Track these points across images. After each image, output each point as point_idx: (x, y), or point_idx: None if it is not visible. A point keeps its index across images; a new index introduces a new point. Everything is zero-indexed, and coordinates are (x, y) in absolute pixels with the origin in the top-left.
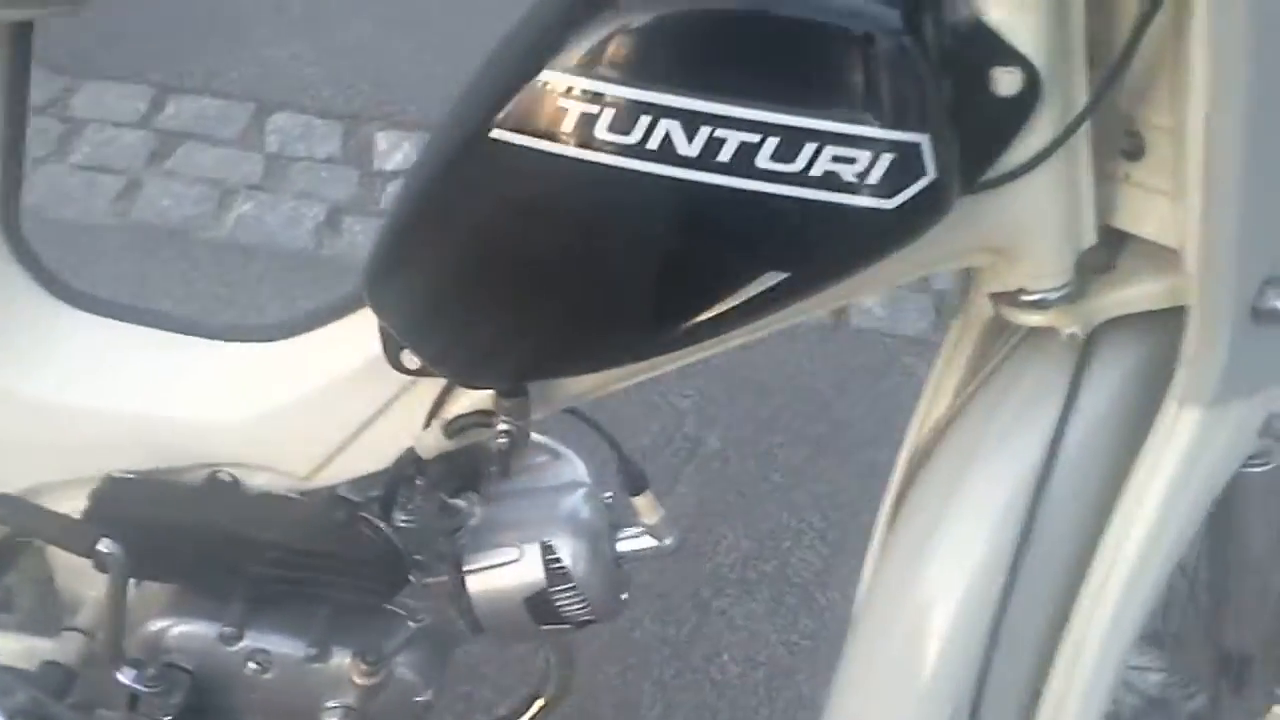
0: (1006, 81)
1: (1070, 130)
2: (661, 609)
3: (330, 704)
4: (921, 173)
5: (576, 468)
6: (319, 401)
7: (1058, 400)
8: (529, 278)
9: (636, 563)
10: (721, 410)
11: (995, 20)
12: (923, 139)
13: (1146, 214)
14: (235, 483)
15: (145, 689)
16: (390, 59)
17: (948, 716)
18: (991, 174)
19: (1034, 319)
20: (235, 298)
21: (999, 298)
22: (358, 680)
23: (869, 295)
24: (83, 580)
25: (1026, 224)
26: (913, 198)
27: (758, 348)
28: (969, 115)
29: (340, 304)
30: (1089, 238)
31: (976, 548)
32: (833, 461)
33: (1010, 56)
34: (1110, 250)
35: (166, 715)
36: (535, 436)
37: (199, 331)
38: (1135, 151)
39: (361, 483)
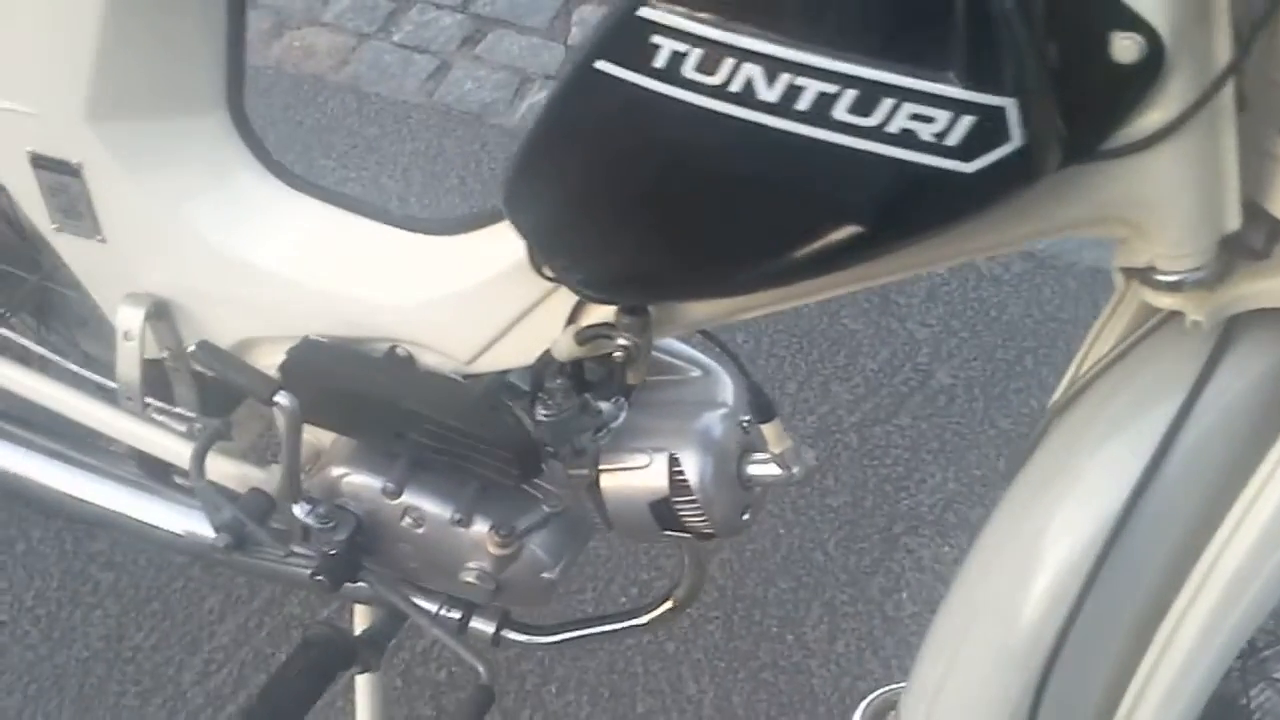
0: (1125, 48)
1: (1199, 104)
2: (848, 536)
3: (469, 565)
4: (1005, 139)
5: (724, 387)
6: (477, 295)
7: (1183, 392)
8: (634, 205)
9: (768, 488)
10: (961, 345)
11: None
12: (1009, 103)
13: None
14: (410, 359)
15: (315, 524)
16: None
17: (1016, 689)
18: (1112, 144)
19: (1164, 300)
20: None
21: (1131, 273)
22: (492, 549)
23: (983, 255)
24: None
25: (1156, 199)
26: (994, 164)
27: (1018, 285)
28: (1082, 81)
29: None
30: (1232, 221)
31: (1067, 536)
32: None
33: (1130, 21)
34: (1269, 236)
35: (332, 549)
36: (692, 353)
37: (388, 219)
38: None
39: (526, 374)
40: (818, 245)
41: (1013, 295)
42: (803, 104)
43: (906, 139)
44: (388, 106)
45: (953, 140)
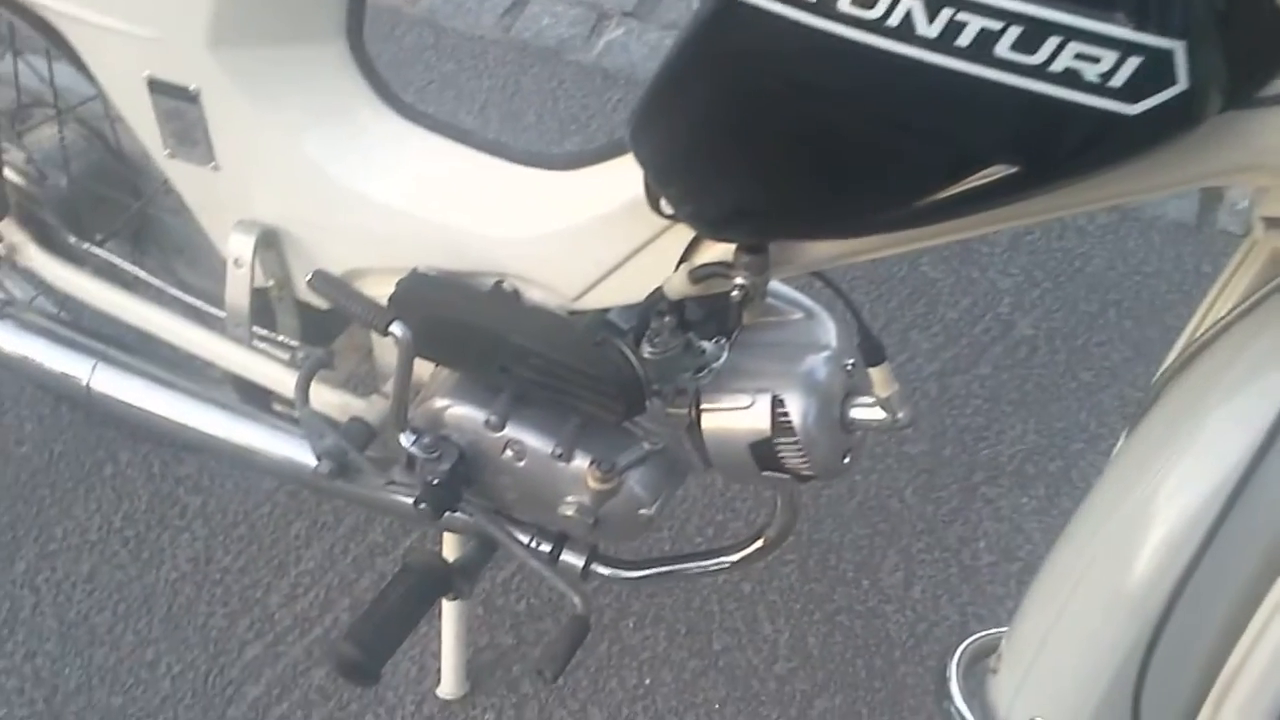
0: None
1: None
2: (926, 484)
3: (568, 499)
4: (1171, 81)
5: (827, 330)
6: (588, 230)
7: None
8: (770, 140)
9: (869, 431)
10: (1044, 296)
11: None
12: (1177, 46)
13: None
14: (516, 293)
15: (421, 454)
16: None
17: (1128, 638)
18: (1271, 90)
19: None
20: (590, 120)
21: (1273, 223)
22: (592, 484)
23: (1126, 201)
24: (394, 354)
25: None
26: (1158, 106)
27: (1103, 237)
28: (1247, 26)
29: (619, 144)
30: None
31: (1187, 490)
32: (1155, 370)
33: None
34: None
35: (435, 479)
36: (794, 295)
37: (503, 153)
38: None
39: (627, 312)
40: (965, 186)
41: (1097, 247)
42: (963, 40)
43: (1070, 79)
44: (464, 41)
45: (1118, 81)
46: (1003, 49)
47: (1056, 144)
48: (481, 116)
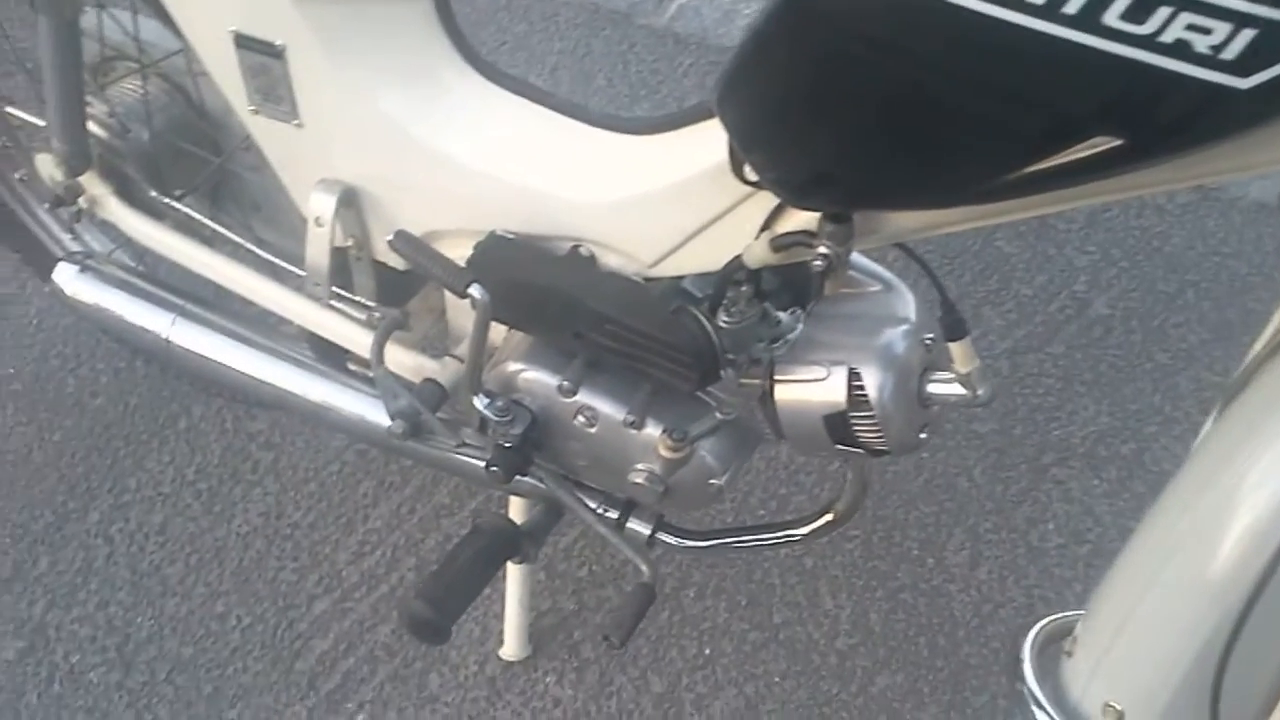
0: None
1: None
2: (995, 464)
3: (638, 467)
4: None
5: (906, 303)
6: (668, 197)
7: None
8: (862, 107)
9: (946, 408)
10: (1121, 275)
11: None
12: None
13: None
14: (592, 258)
15: (493, 417)
16: None
17: (1210, 625)
18: None
19: None
20: (660, 85)
21: None
22: (663, 453)
23: (1226, 178)
24: (468, 317)
25: None
26: (1271, 81)
27: (1182, 216)
28: None
29: (701, 109)
30: None
31: (1276, 478)
32: (1233, 352)
33: None
34: None
35: (507, 442)
36: (873, 266)
37: (585, 117)
38: None
39: (701, 281)
40: (1064, 158)
41: (1176, 226)
42: (1071, 8)
43: (1180, 50)
44: (536, 3)
45: (1230, 54)
46: (1111, 17)
47: (1163, 117)
48: (552, 79)
